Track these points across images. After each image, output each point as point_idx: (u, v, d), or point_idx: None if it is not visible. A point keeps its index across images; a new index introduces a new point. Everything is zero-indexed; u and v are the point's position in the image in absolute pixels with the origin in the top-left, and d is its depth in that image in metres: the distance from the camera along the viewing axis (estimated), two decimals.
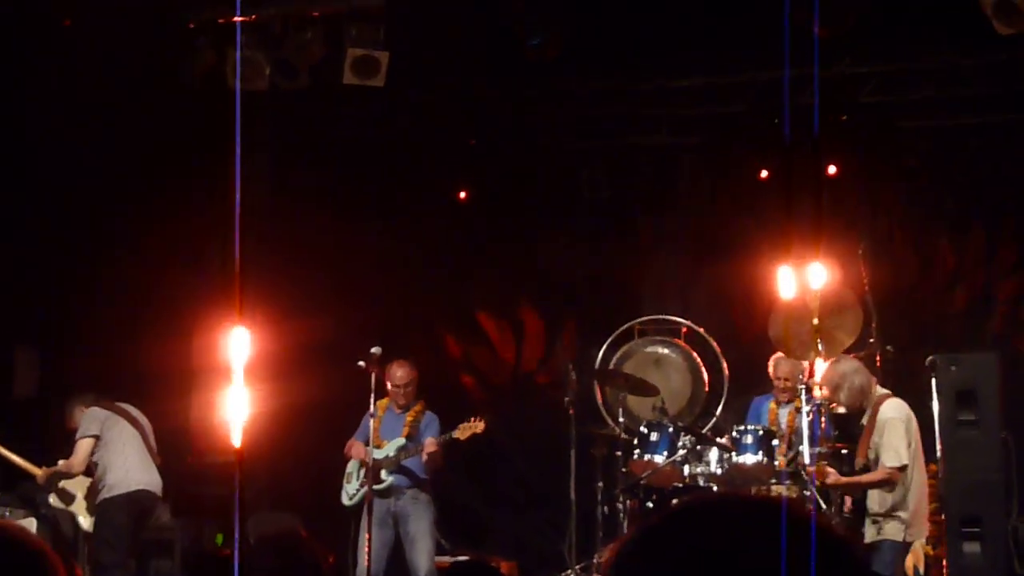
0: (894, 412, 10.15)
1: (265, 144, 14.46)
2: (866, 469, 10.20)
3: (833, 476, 10.17)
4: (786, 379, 11.91)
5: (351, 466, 12.31)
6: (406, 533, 12.05)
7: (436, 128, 15.41)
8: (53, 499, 12.40)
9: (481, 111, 15.43)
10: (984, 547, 11.91)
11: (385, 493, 11.99)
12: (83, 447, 11.76)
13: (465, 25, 13.57)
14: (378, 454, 11.95)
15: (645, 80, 14.95)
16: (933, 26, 13.40)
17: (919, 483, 10.23)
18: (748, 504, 1.91)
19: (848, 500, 10.65)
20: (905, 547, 10.28)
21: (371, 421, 11.86)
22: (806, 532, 1.84)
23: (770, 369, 12.17)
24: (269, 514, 13.35)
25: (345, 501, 12.30)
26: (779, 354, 11.88)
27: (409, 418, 12.18)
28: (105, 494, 11.67)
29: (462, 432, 11.85)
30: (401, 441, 12.07)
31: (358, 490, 12.06)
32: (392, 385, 12.15)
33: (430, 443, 11.83)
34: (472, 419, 11.93)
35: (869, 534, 10.20)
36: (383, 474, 11.96)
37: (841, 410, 10.73)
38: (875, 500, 10.18)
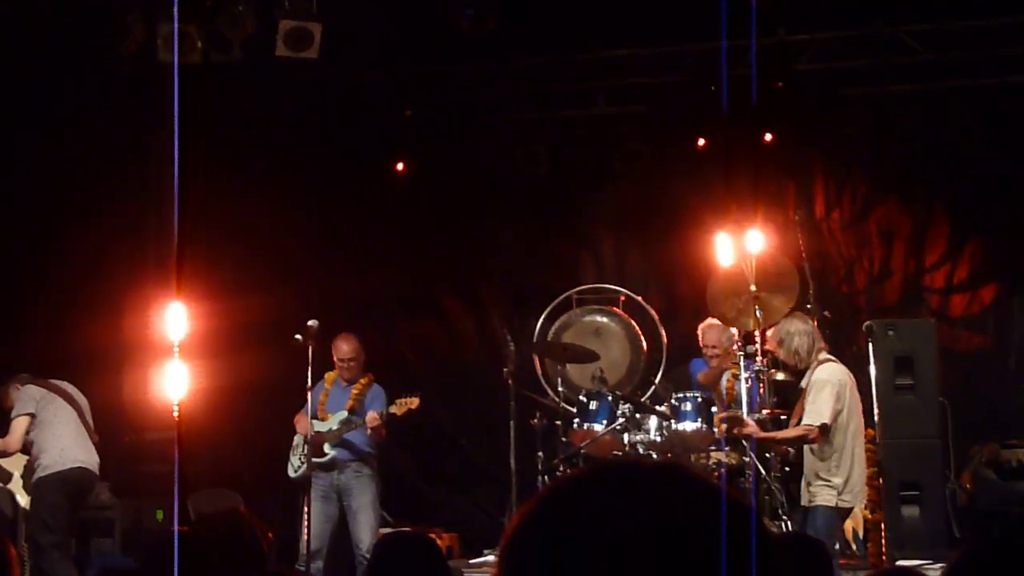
0: (825, 375, 10.17)
1: (198, 118, 14.34)
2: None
3: (751, 427, 10.23)
4: (713, 346, 11.97)
5: (297, 439, 12.28)
6: (349, 507, 12.03)
7: (372, 99, 15.34)
8: None
9: (417, 82, 15.38)
10: (923, 511, 12.02)
11: (328, 466, 11.97)
12: (18, 426, 11.65)
13: None
14: (321, 427, 11.92)
15: (581, 51, 14.93)
16: None
17: (853, 449, 10.22)
18: (643, 469, 1.89)
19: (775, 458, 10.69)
20: (839, 512, 10.29)
21: (314, 394, 11.85)
22: (705, 495, 1.83)
23: (699, 337, 12.24)
24: (209, 491, 13.26)
25: (290, 473, 12.28)
26: (706, 322, 11.94)
27: (355, 391, 12.15)
28: (40, 473, 11.57)
29: (398, 408, 11.85)
30: (344, 414, 12.04)
31: (302, 463, 12.03)
32: (337, 359, 12.13)
33: (371, 417, 11.80)
34: (407, 395, 11.92)
35: (804, 498, 10.28)
36: (326, 447, 11.93)
37: (780, 376, 10.79)
38: (809, 465, 10.24)
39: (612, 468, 1.93)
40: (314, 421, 11.93)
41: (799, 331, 10.30)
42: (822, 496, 10.13)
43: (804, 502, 10.30)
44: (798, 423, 10.21)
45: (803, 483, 10.35)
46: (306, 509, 11.52)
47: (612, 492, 1.84)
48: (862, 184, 15.12)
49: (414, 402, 11.85)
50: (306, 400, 11.98)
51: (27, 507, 11.93)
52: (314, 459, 11.86)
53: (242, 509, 12.40)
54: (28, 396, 11.74)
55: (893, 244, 15.02)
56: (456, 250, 15.95)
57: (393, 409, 11.86)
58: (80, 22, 13.01)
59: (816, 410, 10.03)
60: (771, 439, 10.39)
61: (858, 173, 15.11)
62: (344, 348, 12.16)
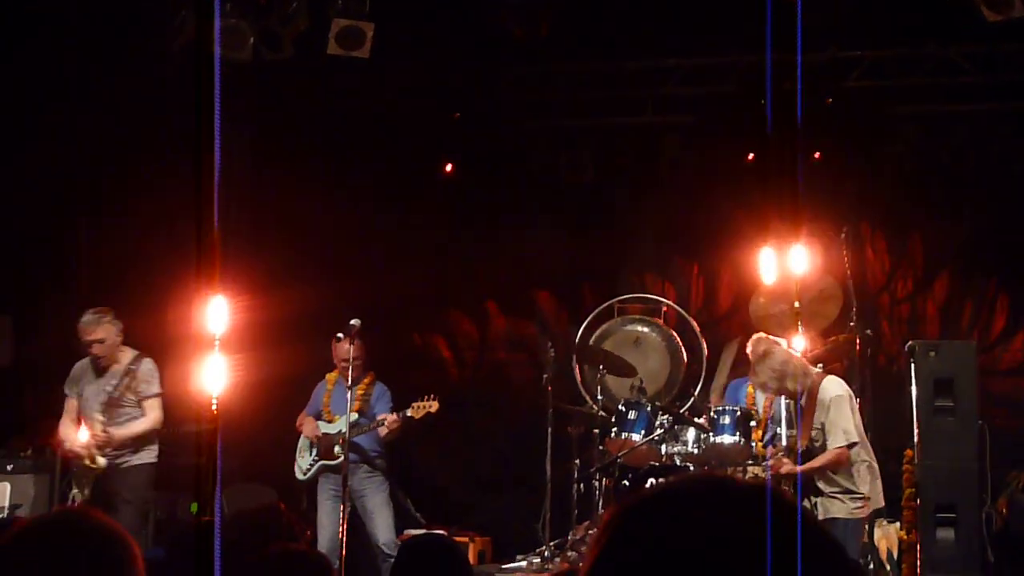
0: (838, 389, 9.94)
1: (248, 115, 14.40)
2: (808, 450, 10.06)
3: (787, 466, 10.07)
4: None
5: (303, 441, 12.22)
6: (363, 508, 11.97)
7: (421, 101, 15.35)
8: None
9: (466, 86, 15.38)
10: (958, 534, 11.96)
11: (338, 469, 11.84)
12: (158, 403, 11.57)
13: None
14: (329, 429, 11.88)
15: (631, 60, 14.91)
16: (922, 12, 13.40)
17: (864, 459, 10.06)
18: (745, 488, 1.95)
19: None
20: (857, 524, 10.11)
21: (317, 395, 11.84)
22: (793, 522, 1.86)
23: (748, 349, 12.15)
24: (245, 486, 13.30)
25: (299, 476, 12.19)
26: (757, 335, 11.84)
27: (359, 392, 12.00)
28: (144, 459, 11.49)
29: (416, 411, 11.70)
30: (353, 417, 11.95)
31: (312, 465, 12.00)
32: (340, 359, 11.95)
33: (391, 420, 11.71)
34: (426, 398, 11.80)
35: (838, 509, 9.95)
36: (336, 450, 11.87)
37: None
38: (830, 480, 10.00)
39: (706, 482, 1.99)
40: (320, 423, 11.92)
41: (786, 355, 10.08)
42: (838, 509, 9.92)
43: (837, 514, 10.01)
44: (808, 442, 10.04)
45: (825, 498, 10.09)
46: (328, 506, 11.48)
47: (702, 505, 1.90)
48: (907, 204, 15.04)
49: (433, 406, 11.69)
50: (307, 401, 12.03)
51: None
52: (324, 461, 11.86)
53: (281, 506, 12.42)
54: (155, 372, 11.62)
55: (936, 265, 14.94)
56: (499, 254, 15.92)
57: (411, 413, 11.73)
58: (134, 15, 13.08)
59: (842, 430, 9.83)
60: (811, 470, 10.15)
61: (904, 193, 15.02)
62: (346, 348, 12.04)
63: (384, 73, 14.46)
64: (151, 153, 13.72)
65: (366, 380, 12.13)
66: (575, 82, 15.33)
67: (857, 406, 10.13)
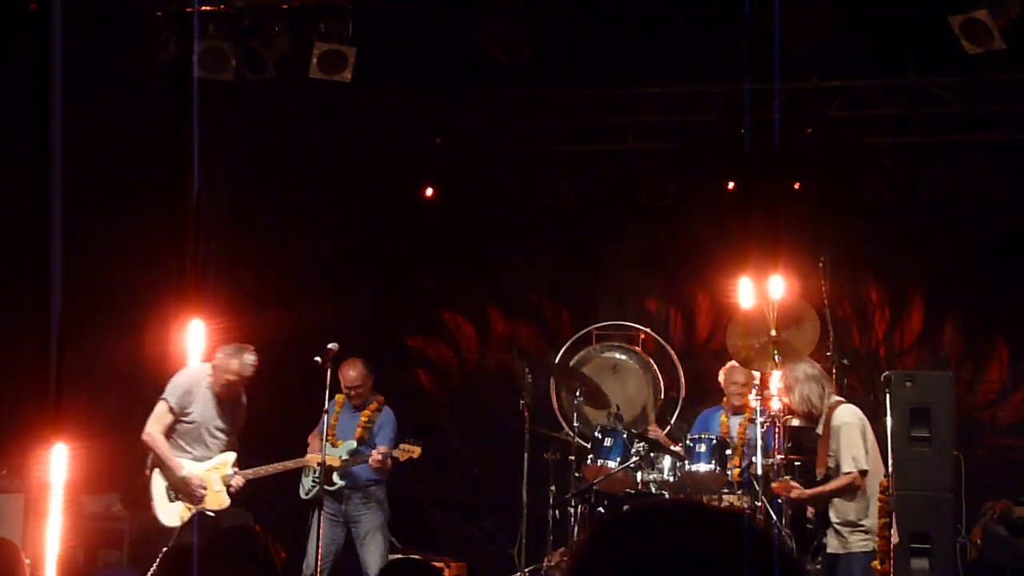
0: (848, 417, 9.98)
1: (229, 136, 14.39)
2: (827, 479, 10.08)
3: (796, 490, 10.09)
4: (743, 383, 11.85)
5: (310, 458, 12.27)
6: (357, 534, 12.04)
7: (402, 126, 15.36)
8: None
9: (448, 111, 15.39)
10: (932, 564, 11.96)
11: (336, 495, 11.97)
12: None
13: (434, 22, 13.53)
14: (333, 452, 11.90)
15: (613, 87, 14.93)
16: (903, 43, 13.46)
17: (875, 491, 10.09)
18: (709, 512, 1.97)
19: (809, 509, 10.60)
20: (863, 558, 10.08)
21: (327, 417, 11.86)
22: (763, 544, 1.87)
23: (721, 378, 12.19)
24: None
25: (301, 494, 12.25)
26: (732, 363, 11.87)
27: (363, 419, 12.10)
28: None
29: (401, 453, 11.80)
30: (352, 444, 12.00)
31: (313, 485, 12.02)
32: (344, 386, 12.05)
33: (374, 459, 11.76)
34: (411, 441, 11.86)
35: (833, 545, 10.01)
36: (334, 476, 11.91)
37: (795, 422, 10.70)
38: (838, 511, 9.99)
39: (682, 504, 2.02)
40: (325, 443, 11.94)
41: (807, 376, 10.16)
42: (857, 543, 9.91)
43: (834, 550, 10.05)
44: (826, 471, 10.07)
45: (830, 531, 10.11)
46: (317, 529, 11.46)
47: (677, 524, 1.92)
48: (886, 234, 15.08)
49: (416, 451, 11.79)
50: (311, 419, 12.00)
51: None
52: (324, 486, 11.87)
53: (257, 528, 12.38)
54: None
55: (914, 295, 14.98)
56: (478, 279, 15.94)
57: (396, 453, 11.82)
58: (117, 34, 13.06)
59: (853, 455, 9.83)
60: (820, 495, 10.16)
61: (883, 221, 15.06)
62: (351, 375, 12.08)
63: (366, 96, 14.47)
64: (134, 177, 13.68)
65: (372, 406, 12.19)
66: (557, 108, 15.34)
67: (872, 437, 10.10)
